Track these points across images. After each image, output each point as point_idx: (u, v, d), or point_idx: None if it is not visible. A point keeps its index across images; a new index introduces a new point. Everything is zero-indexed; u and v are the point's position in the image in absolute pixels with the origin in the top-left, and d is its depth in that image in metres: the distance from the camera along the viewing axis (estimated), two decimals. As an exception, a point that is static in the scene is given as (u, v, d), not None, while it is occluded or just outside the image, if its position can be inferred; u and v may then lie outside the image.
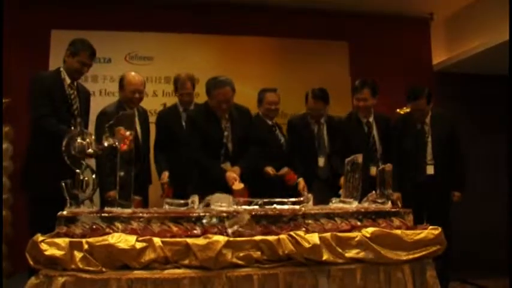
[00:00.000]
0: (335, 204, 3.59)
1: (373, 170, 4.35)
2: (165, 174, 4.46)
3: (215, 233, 2.85)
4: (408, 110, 5.35)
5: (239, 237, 2.88)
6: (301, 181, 4.46)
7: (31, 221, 3.79)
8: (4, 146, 5.15)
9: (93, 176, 3.10)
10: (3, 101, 5.07)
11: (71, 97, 4.07)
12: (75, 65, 4.03)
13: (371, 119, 4.75)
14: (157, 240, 2.76)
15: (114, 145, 3.17)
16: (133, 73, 4.49)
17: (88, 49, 4.09)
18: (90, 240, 2.72)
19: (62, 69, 4.09)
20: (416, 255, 3.06)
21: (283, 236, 2.90)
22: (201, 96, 5.48)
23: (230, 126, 4.17)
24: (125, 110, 4.24)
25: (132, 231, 2.84)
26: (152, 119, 4.95)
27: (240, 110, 4.32)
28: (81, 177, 3.07)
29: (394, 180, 3.60)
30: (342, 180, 3.86)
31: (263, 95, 4.76)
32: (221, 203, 3.24)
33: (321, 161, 4.60)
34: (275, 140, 4.72)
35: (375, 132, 4.73)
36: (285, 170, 4.45)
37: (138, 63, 5.87)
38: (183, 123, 4.63)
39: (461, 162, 4.59)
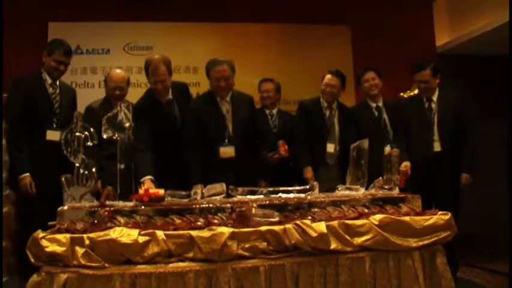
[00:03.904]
0: (341, 192, 3.54)
1: (387, 150, 4.35)
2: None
3: (219, 225, 2.80)
4: (412, 93, 5.29)
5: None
6: (309, 169, 4.43)
7: (20, 220, 3.88)
8: (3, 141, 5.10)
9: (94, 169, 3.04)
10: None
11: (53, 96, 4.16)
12: (51, 63, 4.10)
13: (380, 104, 4.80)
14: (160, 234, 2.71)
15: (114, 137, 3.13)
16: (117, 70, 4.50)
17: (61, 47, 4.14)
18: (92, 235, 2.67)
19: (42, 69, 4.17)
20: (426, 242, 3.01)
21: (289, 226, 2.85)
22: (201, 86, 5.45)
23: (231, 109, 4.05)
24: (110, 105, 4.15)
25: (135, 225, 2.79)
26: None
27: (243, 96, 4.21)
28: (81, 171, 3.02)
29: (402, 153, 3.71)
30: None
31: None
32: (214, 192, 3.26)
33: (330, 147, 4.56)
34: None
35: (385, 115, 4.77)
36: (279, 142, 4.52)
37: (137, 53, 5.79)
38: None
39: (470, 144, 4.53)
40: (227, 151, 3.95)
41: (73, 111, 4.14)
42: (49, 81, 4.15)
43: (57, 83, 4.22)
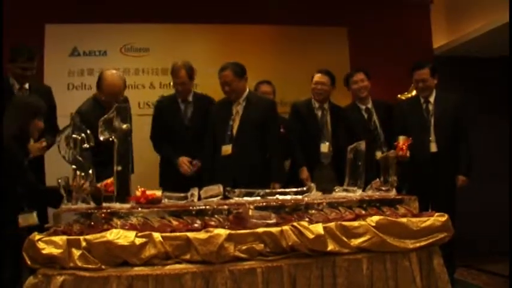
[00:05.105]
0: (338, 193, 3.54)
1: (379, 154, 4.37)
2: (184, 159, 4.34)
3: (216, 226, 2.79)
4: (409, 95, 5.29)
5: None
6: (304, 170, 4.45)
7: None
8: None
9: (90, 171, 3.03)
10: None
11: None
12: (16, 71, 3.99)
13: (370, 105, 4.81)
14: (157, 236, 2.70)
15: (110, 139, 3.13)
16: (115, 75, 4.25)
17: (24, 53, 3.99)
18: (88, 237, 2.66)
19: (9, 75, 4.04)
20: (423, 243, 3.01)
21: (286, 227, 2.84)
22: (198, 87, 5.44)
23: (242, 111, 4.25)
24: (102, 109, 3.98)
25: (131, 227, 2.78)
26: (149, 111, 5.10)
27: (261, 100, 4.44)
28: (78, 173, 3.01)
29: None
30: None
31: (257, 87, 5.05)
32: (211, 193, 3.26)
33: (324, 147, 4.57)
34: None
35: (375, 118, 4.77)
36: None
37: (134, 54, 5.77)
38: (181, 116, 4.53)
39: (466, 146, 4.55)
40: (226, 149, 4.18)
41: (48, 111, 4.10)
42: (17, 86, 4.02)
43: (27, 86, 4.06)
